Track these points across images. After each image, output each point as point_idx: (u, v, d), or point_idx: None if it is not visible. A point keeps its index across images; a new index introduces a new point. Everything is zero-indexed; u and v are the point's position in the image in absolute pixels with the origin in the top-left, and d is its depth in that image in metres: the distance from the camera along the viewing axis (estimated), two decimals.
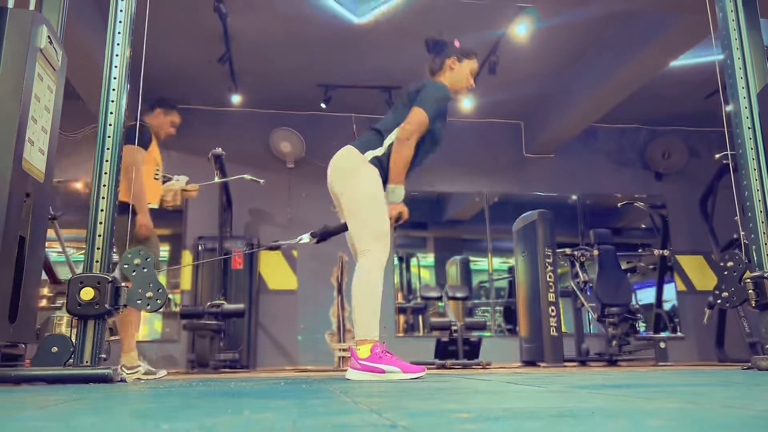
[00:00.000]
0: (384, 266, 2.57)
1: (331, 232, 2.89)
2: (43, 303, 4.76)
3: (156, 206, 4.03)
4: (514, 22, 6.19)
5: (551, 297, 6.45)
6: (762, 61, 2.93)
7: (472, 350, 6.35)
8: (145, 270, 2.32)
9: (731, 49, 2.95)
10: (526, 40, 6.47)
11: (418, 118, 2.66)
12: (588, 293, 7.13)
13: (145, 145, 3.88)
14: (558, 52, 6.93)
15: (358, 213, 2.60)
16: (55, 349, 2.16)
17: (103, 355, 2.24)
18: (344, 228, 2.77)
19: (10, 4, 2.29)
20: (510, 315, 8.27)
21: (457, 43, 2.93)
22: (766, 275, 2.65)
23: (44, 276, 4.41)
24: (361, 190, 2.60)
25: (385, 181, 2.69)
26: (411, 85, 2.84)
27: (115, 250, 3.05)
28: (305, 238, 2.83)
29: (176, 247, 7.80)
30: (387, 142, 2.70)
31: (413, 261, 8.64)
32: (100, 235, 2.30)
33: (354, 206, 2.61)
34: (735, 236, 6.26)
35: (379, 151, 2.68)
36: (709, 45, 6.28)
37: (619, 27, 6.41)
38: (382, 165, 2.67)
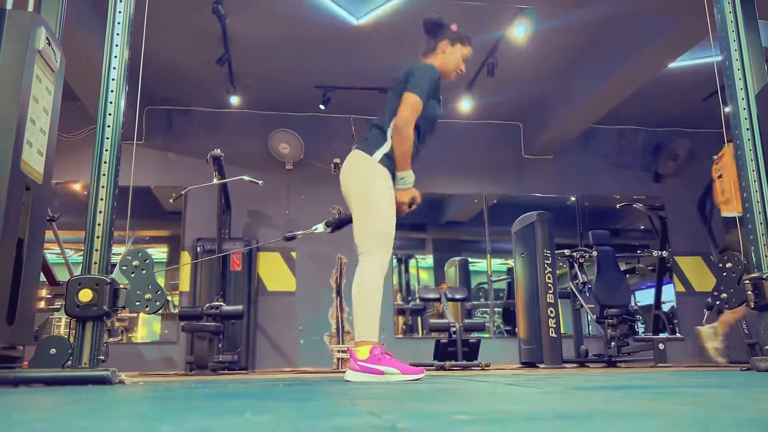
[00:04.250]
0: (385, 267, 2.57)
1: (347, 221, 2.91)
2: (42, 304, 4.75)
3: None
4: (513, 23, 6.20)
5: (550, 298, 6.46)
6: (760, 63, 2.94)
7: (471, 352, 6.34)
8: (144, 271, 2.31)
9: (729, 50, 2.95)
10: (525, 42, 6.47)
11: (410, 102, 2.66)
12: (587, 294, 7.13)
13: None
14: (557, 54, 6.94)
15: (362, 212, 2.60)
16: (53, 350, 2.16)
17: (102, 357, 2.24)
18: None
19: (9, 5, 2.29)
20: (509, 316, 8.27)
21: (454, 27, 2.94)
22: (764, 276, 2.65)
23: (42, 277, 4.40)
24: (368, 190, 2.60)
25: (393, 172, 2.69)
26: (399, 72, 2.84)
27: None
28: (320, 227, 2.84)
29: (175, 249, 7.80)
30: (390, 134, 2.70)
31: (412, 262, 8.64)
32: (98, 237, 2.29)
33: (359, 206, 2.61)
34: None
35: (386, 147, 2.67)
36: (707, 46, 6.30)
37: (617, 28, 6.41)
38: (392, 159, 2.66)
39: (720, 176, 4.22)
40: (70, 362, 2.17)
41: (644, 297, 8.56)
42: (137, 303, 2.28)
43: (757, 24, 2.99)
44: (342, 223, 2.95)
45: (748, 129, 2.86)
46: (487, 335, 7.97)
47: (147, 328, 7.73)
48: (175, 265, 7.73)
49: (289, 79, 7.42)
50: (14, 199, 2.09)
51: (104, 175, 2.35)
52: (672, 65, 6.65)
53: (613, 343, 6.61)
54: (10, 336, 2.10)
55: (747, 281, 2.72)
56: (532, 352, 6.57)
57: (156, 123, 7.98)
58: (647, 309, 8.21)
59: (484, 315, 8.39)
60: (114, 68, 2.46)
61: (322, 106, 7.67)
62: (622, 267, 7.91)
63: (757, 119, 2.84)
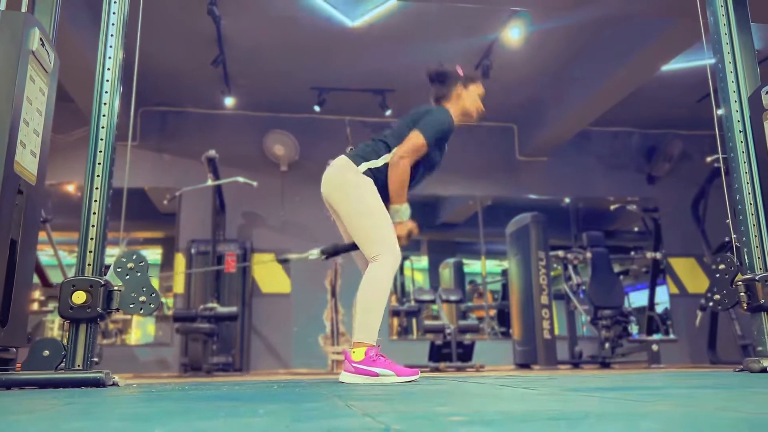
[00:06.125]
0: (397, 265, 2.57)
1: (341, 250, 2.90)
2: (35, 306, 4.74)
3: None
4: (507, 25, 6.22)
5: (544, 300, 6.48)
6: (753, 65, 2.95)
7: (466, 353, 6.36)
8: (139, 274, 2.30)
9: (722, 53, 2.96)
10: (519, 44, 6.49)
11: (415, 141, 2.63)
12: (581, 296, 7.15)
13: None
14: (551, 56, 6.96)
15: (359, 225, 2.59)
16: (46, 352, 2.15)
17: (95, 359, 2.23)
18: (354, 247, 2.77)
19: (2, 6, 2.28)
20: (503, 318, 8.28)
21: (460, 70, 2.91)
22: (757, 278, 2.66)
23: (36, 279, 4.39)
24: (357, 201, 2.59)
25: (382, 195, 2.66)
26: (420, 107, 2.80)
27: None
28: (315, 253, 2.82)
29: (169, 251, 7.78)
30: (383, 158, 2.66)
31: (407, 264, 8.64)
32: (92, 238, 2.28)
33: (354, 219, 2.59)
34: (727, 239, 6.30)
35: (373, 164, 2.64)
36: (700, 49, 6.32)
37: (611, 31, 6.44)
38: (376, 177, 2.63)
39: None
40: (63, 364, 2.16)
41: (638, 298, 8.59)
42: (131, 305, 2.27)
43: (749, 27, 3.00)
44: (338, 251, 2.91)
45: (740, 131, 2.87)
46: (481, 336, 7.98)
47: (141, 330, 7.71)
48: (169, 268, 7.71)
49: (283, 81, 7.41)
50: (7, 200, 2.09)
51: (98, 176, 2.35)
52: (665, 68, 6.69)
53: (607, 344, 6.63)
54: (3, 338, 2.09)
55: (740, 283, 2.73)
56: (526, 353, 6.58)
57: (150, 124, 7.96)
58: (641, 310, 8.24)
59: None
60: (108, 69, 2.45)
61: (317, 108, 7.66)
62: (616, 268, 7.94)
63: (750, 121, 2.85)
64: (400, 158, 2.61)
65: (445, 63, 2.94)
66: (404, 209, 2.67)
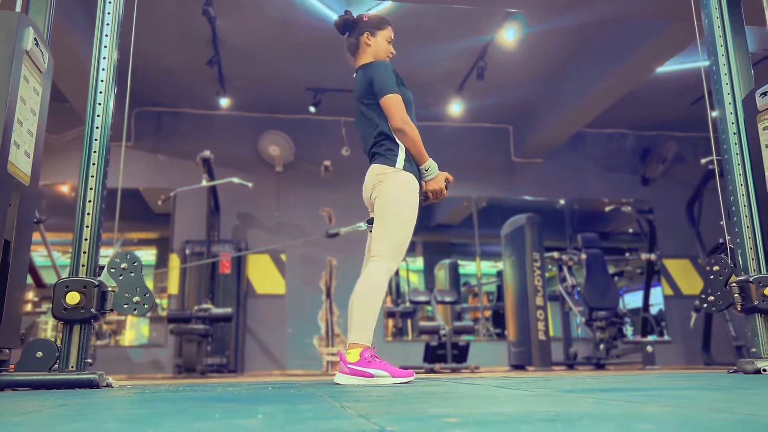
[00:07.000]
0: (392, 273, 2.61)
1: None
2: (29, 307, 4.72)
3: None
4: (503, 27, 6.23)
5: (539, 301, 6.49)
6: (747, 68, 2.96)
7: (461, 354, 6.36)
8: (132, 274, 2.30)
9: (717, 55, 2.98)
10: (515, 46, 6.50)
11: (392, 103, 2.69)
12: (576, 297, 7.16)
13: None
14: (546, 58, 6.98)
15: (385, 219, 2.61)
16: (39, 354, 2.14)
17: (89, 360, 2.22)
18: None
19: None
20: (498, 319, 8.29)
21: (366, 18, 2.98)
22: (751, 279, 2.67)
23: (29, 280, 4.37)
24: (391, 202, 2.62)
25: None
26: (355, 85, 2.84)
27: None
28: (363, 225, 2.85)
29: (164, 251, 7.76)
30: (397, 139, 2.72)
31: (402, 265, 8.64)
32: (86, 239, 2.28)
33: (381, 215, 2.62)
34: (721, 240, 6.33)
35: (402, 151, 2.68)
36: (695, 51, 6.36)
37: (606, 33, 6.46)
38: (411, 161, 2.68)
39: None
40: (56, 366, 2.15)
41: (633, 300, 8.61)
42: (125, 306, 2.26)
43: (744, 29, 3.02)
44: None
45: (735, 133, 2.89)
46: (473, 337, 7.98)
47: (135, 331, 7.68)
48: (163, 268, 7.69)
49: (278, 81, 7.40)
50: (1, 201, 2.08)
51: (92, 176, 2.34)
52: (660, 70, 6.71)
53: (601, 345, 6.64)
54: None
55: (734, 284, 2.74)
56: (521, 354, 6.59)
57: (145, 125, 7.94)
58: (635, 312, 8.26)
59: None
60: (103, 69, 2.45)
61: (312, 108, 7.66)
62: (611, 270, 7.96)
63: (744, 123, 2.87)
64: (402, 124, 2.66)
65: (351, 11, 3.03)
66: (431, 166, 2.74)
